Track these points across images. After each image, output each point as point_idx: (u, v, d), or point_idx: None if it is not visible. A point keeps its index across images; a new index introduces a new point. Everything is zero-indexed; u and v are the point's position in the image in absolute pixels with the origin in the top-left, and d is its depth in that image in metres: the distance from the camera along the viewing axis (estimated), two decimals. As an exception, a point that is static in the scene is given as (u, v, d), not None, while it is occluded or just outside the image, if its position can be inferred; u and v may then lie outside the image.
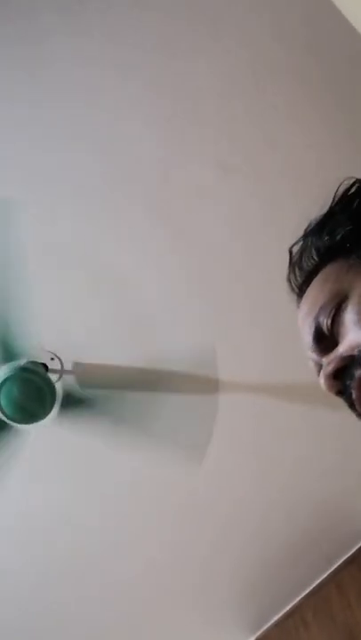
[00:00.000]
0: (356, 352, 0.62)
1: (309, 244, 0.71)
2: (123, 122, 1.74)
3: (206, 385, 2.21)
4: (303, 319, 0.69)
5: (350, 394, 0.63)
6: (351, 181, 0.70)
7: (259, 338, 2.19)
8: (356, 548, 2.94)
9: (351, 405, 0.64)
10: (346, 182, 0.70)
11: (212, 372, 2.20)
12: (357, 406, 0.63)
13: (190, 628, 3.13)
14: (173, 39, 1.64)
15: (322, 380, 0.65)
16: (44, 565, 2.62)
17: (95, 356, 2.10)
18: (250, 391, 2.24)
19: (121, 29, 1.61)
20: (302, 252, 0.72)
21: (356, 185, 0.69)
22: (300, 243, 0.72)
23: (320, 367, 0.67)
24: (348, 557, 2.95)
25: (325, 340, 0.65)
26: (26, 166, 1.79)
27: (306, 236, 0.72)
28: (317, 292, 0.68)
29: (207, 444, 2.32)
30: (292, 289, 0.74)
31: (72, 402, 1.99)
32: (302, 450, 2.52)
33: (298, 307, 0.73)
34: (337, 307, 0.64)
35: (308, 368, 0.71)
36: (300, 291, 0.73)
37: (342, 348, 0.63)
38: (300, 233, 0.74)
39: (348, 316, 0.62)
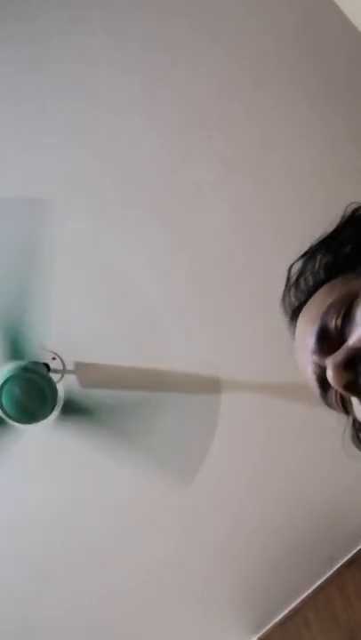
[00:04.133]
0: None
1: (314, 261, 0.70)
2: (124, 121, 1.74)
3: (208, 385, 2.21)
4: (305, 325, 0.67)
5: None
6: (357, 205, 0.69)
7: (260, 337, 2.19)
8: (358, 548, 2.94)
9: None
10: (352, 205, 0.69)
11: (213, 371, 2.20)
12: None
13: (193, 628, 3.13)
14: (174, 39, 1.65)
15: (330, 373, 0.61)
16: (43, 565, 2.62)
17: (97, 355, 2.10)
18: (251, 391, 2.24)
19: (122, 29, 1.61)
20: (304, 270, 0.70)
21: None
22: (303, 261, 0.71)
23: (321, 370, 0.65)
24: (350, 558, 2.95)
25: (330, 340, 0.63)
26: (27, 165, 1.80)
27: (309, 254, 0.71)
28: (323, 296, 0.66)
29: (206, 452, 2.33)
30: (286, 310, 0.73)
31: (73, 409, 1.99)
32: (304, 449, 2.52)
33: (292, 327, 0.72)
34: (348, 305, 0.62)
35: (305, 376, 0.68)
36: (297, 311, 0.71)
37: (352, 341, 0.61)
38: (295, 237, 0.73)
39: (360, 312, 0.61)
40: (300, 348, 0.68)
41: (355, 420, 0.70)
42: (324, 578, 3.00)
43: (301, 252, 0.72)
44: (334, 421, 0.74)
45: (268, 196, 1.89)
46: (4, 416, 1.88)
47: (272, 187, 1.87)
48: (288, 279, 0.72)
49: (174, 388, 2.17)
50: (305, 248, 0.71)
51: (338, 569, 2.97)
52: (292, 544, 2.83)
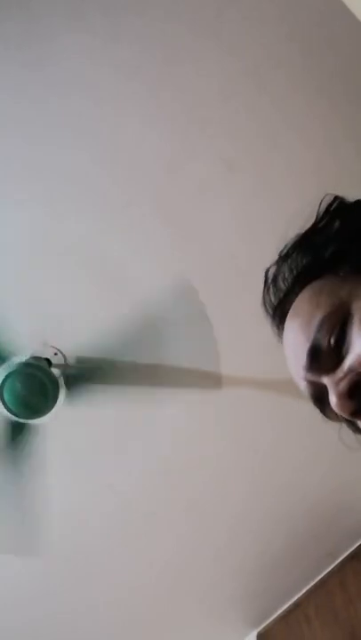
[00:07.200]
0: None
1: (291, 263, 0.67)
2: (126, 120, 1.75)
3: (209, 381, 2.22)
4: (295, 336, 0.65)
5: None
6: (331, 198, 0.67)
7: (261, 335, 2.19)
8: (359, 543, 2.94)
9: None
10: (326, 199, 0.67)
11: (214, 367, 2.21)
12: None
13: (193, 621, 3.14)
14: (176, 38, 1.65)
15: (335, 401, 0.59)
16: (44, 565, 2.62)
17: (98, 351, 2.11)
18: (252, 387, 2.25)
19: (124, 29, 1.62)
20: (281, 272, 0.68)
21: (338, 201, 0.67)
22: (279, 264, 0.69)
23: (315, 387, 0.63)
24: (351, 552, 2.95)
25: (323, 357, 0.61)
26: (29, 164, 1.81)
27: (286, 256, 0.68)
28: (311, 307, 0.63)
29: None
30: (268, 311, 0.70)
31: (75, 382, 1.99)
32: (305, 444, 2.53)
33: (276, 328, 0.69)
34: (342, 323, 0.59)
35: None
36: (281, 312, 0.69)
37: (352, 363, 0.58)
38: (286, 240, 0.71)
39: (355, 330, 0.58)
40: (292, 358, 0.66)
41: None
42: (325, 573, 3.01)
43: (278, 252, 0.70)
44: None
45: (269, 194, 1.90)
46: (6, 412, 1.89)
47: (273, 185, 1.88)
48: (265, 281, 0.70)
49: (176, 383, 2.17)
50: (280, 247, 0.69)
51: (339, 564, 2.98)
52: (293, 539, 2.84)
